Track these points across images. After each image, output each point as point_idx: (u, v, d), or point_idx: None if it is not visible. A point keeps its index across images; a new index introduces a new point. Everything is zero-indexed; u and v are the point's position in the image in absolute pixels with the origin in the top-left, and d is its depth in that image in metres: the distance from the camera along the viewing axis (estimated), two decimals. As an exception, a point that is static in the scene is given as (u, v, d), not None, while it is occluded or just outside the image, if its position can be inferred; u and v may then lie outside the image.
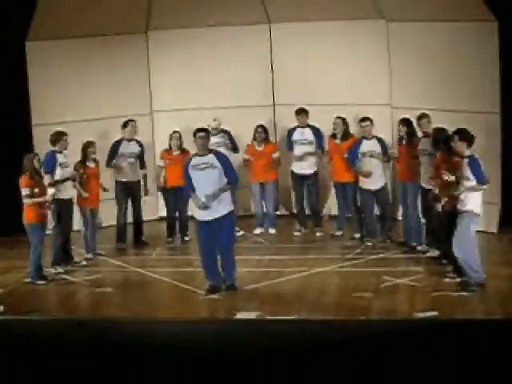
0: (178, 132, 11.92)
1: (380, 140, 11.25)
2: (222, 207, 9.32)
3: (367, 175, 11.12)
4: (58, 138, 10.67)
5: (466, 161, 9.01)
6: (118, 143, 11.69)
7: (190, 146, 12.07)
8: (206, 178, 9.27)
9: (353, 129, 11.83)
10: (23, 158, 10.07)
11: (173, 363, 7.00)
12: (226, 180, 9.32)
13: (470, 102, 11.28)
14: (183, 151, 11.83)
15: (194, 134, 9.45)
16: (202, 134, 9.40)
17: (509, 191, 11.30)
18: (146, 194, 11.91)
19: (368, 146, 11.20)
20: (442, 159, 9.70)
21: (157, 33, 13.02)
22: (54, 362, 6.98)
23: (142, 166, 11.85)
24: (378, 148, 11.19)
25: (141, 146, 11.84)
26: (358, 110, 11.97)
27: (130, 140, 11.73)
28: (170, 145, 11.95)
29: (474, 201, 8.96)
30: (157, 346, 7.14)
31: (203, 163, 9.31)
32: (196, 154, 9.47)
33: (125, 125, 11.70)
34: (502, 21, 10.86)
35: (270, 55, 13.02)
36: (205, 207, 9.22)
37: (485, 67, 11.09)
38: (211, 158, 9.35)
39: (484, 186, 9.00)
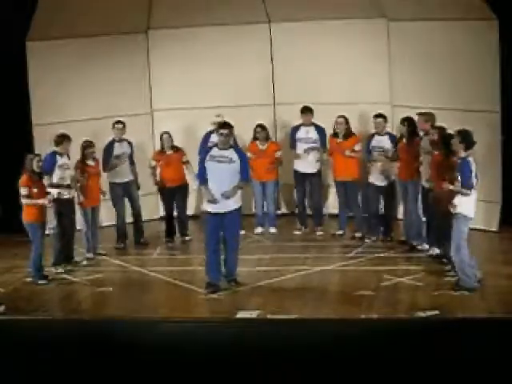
0: (167, 132, 11.94)
1: (392, 137, 11.26)
2: (232, 202, 9.34)
3: (380, 166, 11.13)
4: (61, 140, 10.66)
5: (458, 162, 9.01)
6: (110, 145, 11.66)
7: (190, 145, 12.20)
8: (222, 172, 9.27)
9: (353, 128, 11.80)
10: (24, 158, 10.08)
11: (173, 363, 7.00)
12: (238, 176, 9.33)
13: (470, 100, 11.27)
14: (176, 150, 11.86)
15: (217, 129, 9.54)
16: (225, 131, 9.40)
17: (509, 190, 11.29)
18: (138, 188, 11.86)
19: (379, 141, 11.23)
20: (439, 159, 9.68)
21: (157, 32, 13.01)
22: (54, 362, 6.98)
23: (132, 163, 11.80)
24: (388, 144, 11.20)
25: (131, 145, 11.84)
26: (358, 108, 11.96)
27: (120, 141, 11.73)
28: (161, 146, 11.96)
29: (466, 204, 8.94)
30: (157, 346, 7.14)
31: (223, 156, 9.32)
32: (216, 146, 9.49)
33: (113, 126, 11.71)
34: (502, 19, 10.86)
35: (271, 54, 13.00)
36: (215, 201, 9.23)
37: (485, 66, 11.08)
38: (231, 152, 9.37)
39: (467, 191, 8.88)
